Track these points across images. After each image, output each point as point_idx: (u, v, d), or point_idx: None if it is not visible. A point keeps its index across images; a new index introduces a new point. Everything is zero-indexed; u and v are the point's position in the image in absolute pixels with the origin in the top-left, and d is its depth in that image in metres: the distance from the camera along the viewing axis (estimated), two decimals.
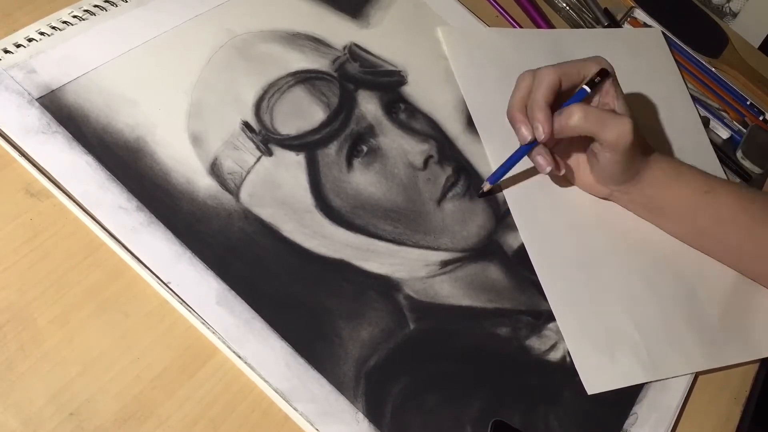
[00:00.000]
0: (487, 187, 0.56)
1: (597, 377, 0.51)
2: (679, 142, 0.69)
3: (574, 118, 0.52)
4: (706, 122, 0.75)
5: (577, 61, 0.56)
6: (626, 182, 0.57)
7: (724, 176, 0.71)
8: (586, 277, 0.56)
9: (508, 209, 0.57)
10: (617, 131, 0.53)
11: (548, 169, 0.54)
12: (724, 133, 0.76)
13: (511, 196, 0.57)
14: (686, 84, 0.76)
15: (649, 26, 0.81)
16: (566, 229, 0.58)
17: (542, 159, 0.54)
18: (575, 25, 0.78)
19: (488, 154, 0.59)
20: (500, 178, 0.56)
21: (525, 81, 0.55)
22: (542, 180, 0.59)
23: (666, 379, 0.53)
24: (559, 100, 0.55)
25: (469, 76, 0.63)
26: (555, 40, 0.70)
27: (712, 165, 0.70)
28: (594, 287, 0.55)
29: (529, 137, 0.53)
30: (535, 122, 0.53)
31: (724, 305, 0.59)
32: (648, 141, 0.58)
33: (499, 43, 0.67)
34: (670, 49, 0.78)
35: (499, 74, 0.63)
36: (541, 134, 0.52)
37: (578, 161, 0.59)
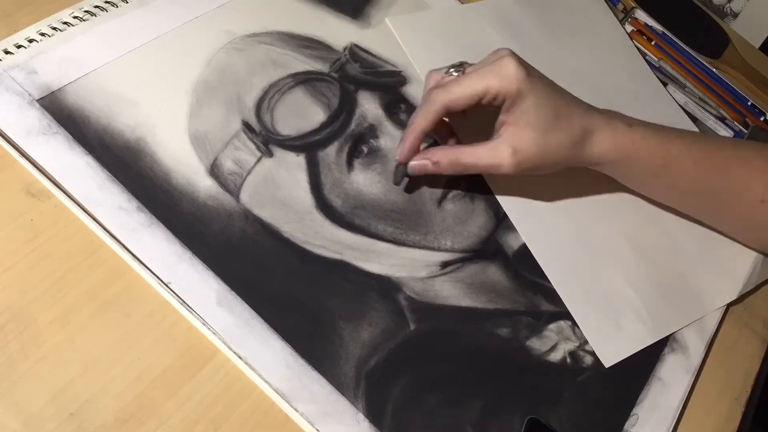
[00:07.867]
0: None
1: (610, 349, 0.53)
2: (635, 93, 0.72)
3: (442, 166, 0.51)
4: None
5: (473, 80, 0.49)
6: (569, 162, 0.53)
7: (686, 120, 0.71)
8: (580, 250, 0.56)
9: None
10: (492, 161, 0.50)
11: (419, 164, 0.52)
12: (724, 134, 0.76)
13: (497, 189, 0.57)
14: (623, 27, 0.77)
15: (650, 26, 0.81)
16: (553, 206, 0.58)
17: (417, 163, 0.52)
18: None
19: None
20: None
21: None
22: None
23: (670, 334, 0.55)
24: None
25: (425, 60, 0.61)
26: (497, 7, 0.70)
27: (670, 108, 0.73)
28: (589, 259, 0.56)
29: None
30: (401, 144, 0.51)
31: (707, 252, 0.60)
32: (591, 110, 0.53)
33: (447, 22, 0.66)
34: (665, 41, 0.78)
35: (451, 53, 0.62)
36: (398, 157, 0.51)
37: None
